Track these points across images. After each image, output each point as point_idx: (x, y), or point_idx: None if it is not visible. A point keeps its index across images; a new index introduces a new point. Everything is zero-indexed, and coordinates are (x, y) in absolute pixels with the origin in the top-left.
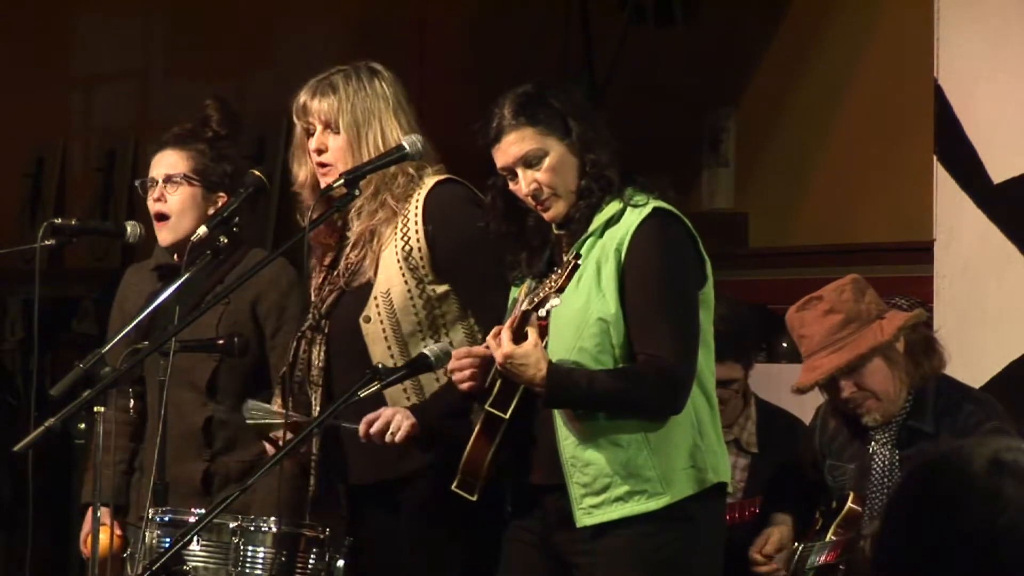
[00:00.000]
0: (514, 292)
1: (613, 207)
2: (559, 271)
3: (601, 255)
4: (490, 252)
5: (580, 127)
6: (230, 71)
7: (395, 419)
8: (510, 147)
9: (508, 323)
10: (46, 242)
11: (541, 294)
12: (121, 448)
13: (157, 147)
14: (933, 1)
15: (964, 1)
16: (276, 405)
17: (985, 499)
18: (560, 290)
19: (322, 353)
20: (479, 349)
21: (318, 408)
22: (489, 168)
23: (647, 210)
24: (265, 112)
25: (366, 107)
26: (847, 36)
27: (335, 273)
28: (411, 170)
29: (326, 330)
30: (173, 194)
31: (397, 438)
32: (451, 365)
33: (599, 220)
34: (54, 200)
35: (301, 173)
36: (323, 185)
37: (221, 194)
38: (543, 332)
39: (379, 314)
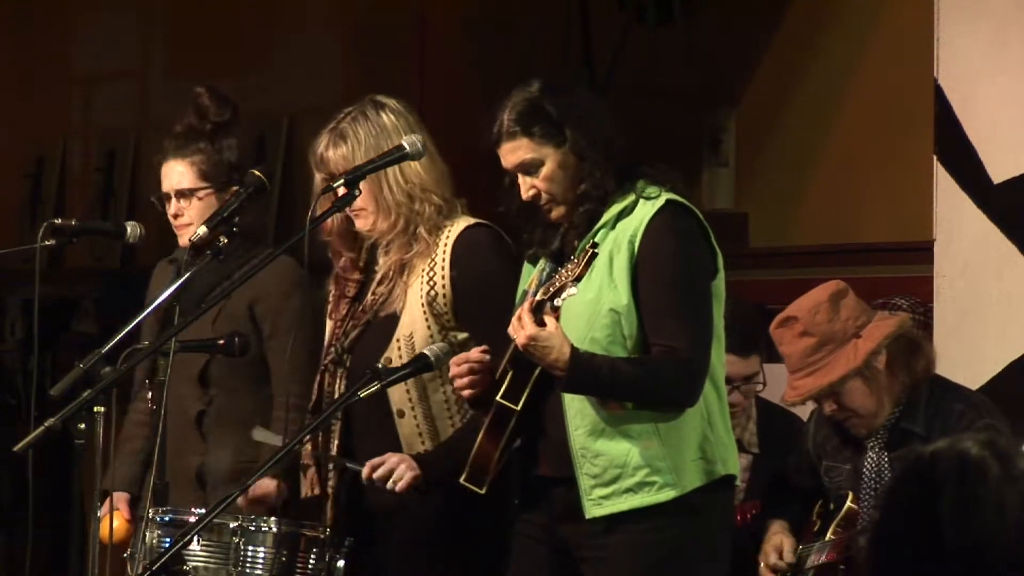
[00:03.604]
0: (525, 273)
1: (626, 199)
2: (575, 260)
3: (613, 246)
4: (503, 303)
5: (575, 136)
6: (230, 71)
7: (399, 468)
8: (507, 154)
9: (526, 306)
10: (46, 242)
11: (557, 283)
12: (143, 437)
13: (161, 156)
14: (933, 1)
15: (964, 1)
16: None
17: (997, 503)
18: (578, 279)
19: (343, 387)
20: (476, 355)
21: (336, 441)
22: (493, 166)
23: (660, 202)
24: (265, 112)
25: (378, 145)
26: (847, 36)
27: (360, 307)
28: (438, 200)
29: (348, 364)
30: (189, 207)
31: (398, 488)
32: (452, 372)
33: (611, 212)
34: (54, 200)
35: (328, 222)
36: (359, 227)
37: (234, 188)
38: None
39: (400, 357)
